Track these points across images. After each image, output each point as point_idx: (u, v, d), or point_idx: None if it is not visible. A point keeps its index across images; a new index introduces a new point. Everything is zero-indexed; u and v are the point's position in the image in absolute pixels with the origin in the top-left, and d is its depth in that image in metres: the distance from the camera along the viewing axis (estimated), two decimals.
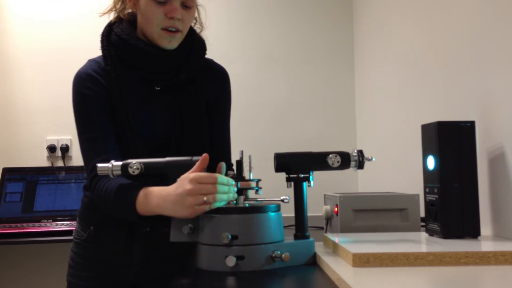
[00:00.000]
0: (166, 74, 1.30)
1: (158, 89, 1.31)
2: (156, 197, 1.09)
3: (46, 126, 2.61)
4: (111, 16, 1.36)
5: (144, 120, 1.27)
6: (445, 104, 1.51)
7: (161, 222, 1.20)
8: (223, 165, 1.12)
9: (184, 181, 1.02)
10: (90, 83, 1.26)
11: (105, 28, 1.33)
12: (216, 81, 1.39)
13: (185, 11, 1.25)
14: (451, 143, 1.15)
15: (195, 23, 1.38)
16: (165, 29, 1.25)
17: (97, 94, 1.26)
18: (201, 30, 1.39)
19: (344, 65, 2.70)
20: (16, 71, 2.63)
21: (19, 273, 2.53)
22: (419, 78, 1.75)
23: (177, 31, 1.25)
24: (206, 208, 1.01)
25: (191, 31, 1.35)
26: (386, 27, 2.14)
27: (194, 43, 1.34)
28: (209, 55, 1.41)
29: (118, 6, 1.33)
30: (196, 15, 1.36)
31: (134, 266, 1.30)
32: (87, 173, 1.24)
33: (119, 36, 1.28)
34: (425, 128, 1.21)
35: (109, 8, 1.34)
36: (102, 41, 1.31)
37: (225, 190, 1.03)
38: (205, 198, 1.00)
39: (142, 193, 1.12)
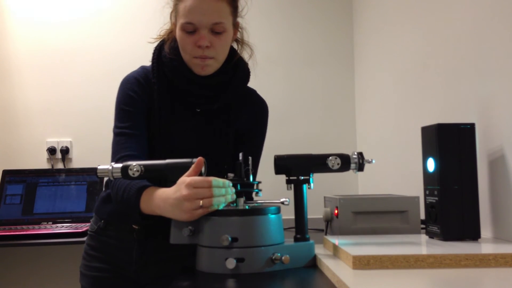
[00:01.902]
0: (204, 99, 1.32)
1: (198, 110, 1.33)
2: (157, 199, 1.09)
3: (46, 128, 2.62)
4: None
5: (173, 136, 1.31)
6: (445, 106, 1.51)
7: (162, 222, 1.20)
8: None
9: (181, 186, 1.03)
10: (136, 87, 1.31)
11: (159, 42, 1.36)
12: (253, 115, 1.41)
13: (215, 37, 1.25)
14: (451, 145, 1.15)
15: (240, 47, 1.38)
16: (197, 57, 1.26)
17: (141, 98, 1.30)
18: (251, 55, 1.39)
19: (344, 67, 2.70)
20: (16, 73, 2.64)
21: (19, 275, 2.53)
22: (419, 79, 1.75)
23: (208, 58, 1.26)
24: (203, 211, 1.01)
25: (236, 56, 1.35)
26: (386, 29, 2.15)
27: (238, 71, 1.35)
28: None
29: (166, 36, 1.36)
30: (239, 36, 1.37)
31: (134, 263, 1.32)
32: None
33: (167, 55, 1.31)
34: (425, 130, 1.21)
35: (158, 36, 1.37)
36: (153, 54, 1.34)
37: (222, 192, 1.03)
38: (201, 203, 1.00)
39: (148, 192, 1.13)
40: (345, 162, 1.08)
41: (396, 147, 2.02)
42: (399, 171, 1.97)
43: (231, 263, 0.96)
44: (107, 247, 1.35)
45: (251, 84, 1.42)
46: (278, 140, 2.63)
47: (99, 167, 1.11)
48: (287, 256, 1.00)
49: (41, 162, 2.60)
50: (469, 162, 1.15)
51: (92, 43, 2.65)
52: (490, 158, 1.23)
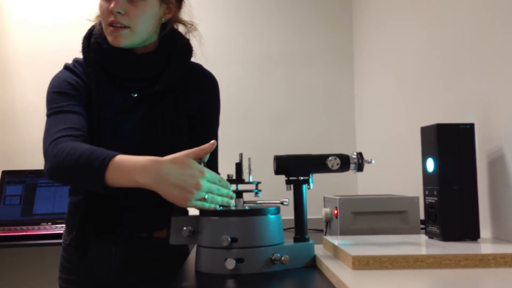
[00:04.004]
0: (142, 82, 1.25)
1: (135, 96, 1.26)
2: (148, 168, 1.00)
3: None
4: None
5: (118, 129, 1.23)
6: (445, 106, 1.52)
7: (139, 227, 1.21)
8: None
9: (195, 171, 0.99)
10: (75, 76, 1.24)
11: (88, 31, 1.30)
12: (202, 89, 1.32)
13: (130, 4, 1.17)
14: (451, 146, 1.15)
15: (177, 25, 1.30)
16: (111, 25, 1.19)
17: (80, 86, 1.23)
18: (186, 31, 1.30)
19: (344, 67, 2.70)
20: (16, 74, 2.64)
21: (18, 276, 2.52)
22: (419, 80, 1.75)
23: (123, 27, 1.18)
24: (199, 204, 1.00)
25: (174, 33, 1.28)
26: (386, 29, 2.15)
27: (176, 47, 1.27)
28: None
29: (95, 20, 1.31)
30: (160, 9, 1.24)
31: (114, 271, 1.28)
32: (48, 140, 1.13)
33: (96, 39, 1.25)
34: (425, 130, 1.21)
35: (96, 15, 1.31)
36: (83, 43, 1.28)
37: (224, 193, 1.03)
38: (206, 196, 1.00)
39: (120, 156, 1.03)
40: (344, 163, 1.08)
41: (395, 147, 2.02)
42: (399, 171, 1.97)
43: (230, 264, 0.96)
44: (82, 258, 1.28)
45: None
46: (277, 140, 2.64)
47: None
48: (287, 256, 1.00)
49: (40, 162, 2.56)
50: (469, 162, 1.15)
51: None
52: (490, 158, 1.23)
